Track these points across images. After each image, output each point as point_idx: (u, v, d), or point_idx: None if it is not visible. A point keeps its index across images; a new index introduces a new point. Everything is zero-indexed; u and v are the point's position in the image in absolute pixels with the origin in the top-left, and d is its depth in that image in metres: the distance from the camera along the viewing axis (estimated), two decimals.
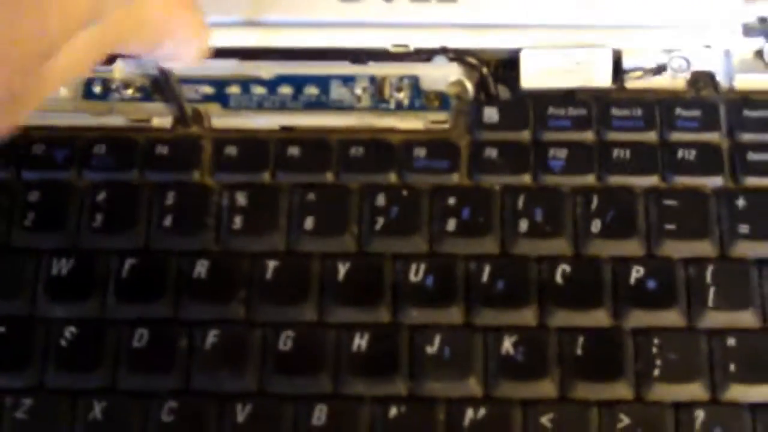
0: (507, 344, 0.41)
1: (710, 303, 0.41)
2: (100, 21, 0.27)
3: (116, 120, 0.45)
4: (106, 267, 0.42)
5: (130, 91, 0.45)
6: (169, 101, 0.44)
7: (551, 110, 0.44)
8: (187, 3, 0.32)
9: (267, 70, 0.45)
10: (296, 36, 0.45)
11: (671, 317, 0.41)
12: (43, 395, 0.41)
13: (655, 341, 0.40)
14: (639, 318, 0.41)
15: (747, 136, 0.43)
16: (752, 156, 0.43)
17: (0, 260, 0.42)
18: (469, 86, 0.45)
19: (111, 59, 0.46)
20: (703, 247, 0.42)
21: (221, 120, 0.45)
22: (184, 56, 0.33)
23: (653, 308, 0.41)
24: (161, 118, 0.45)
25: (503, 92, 0.46)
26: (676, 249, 0.42)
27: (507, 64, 0.46)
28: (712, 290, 0.41)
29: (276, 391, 0.40)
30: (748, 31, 0.45)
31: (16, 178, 0.44)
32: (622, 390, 0.40)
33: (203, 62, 0.44)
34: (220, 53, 0.45)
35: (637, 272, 0.41)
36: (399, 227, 0.42)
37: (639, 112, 0.44)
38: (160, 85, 0.45)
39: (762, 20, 0.45)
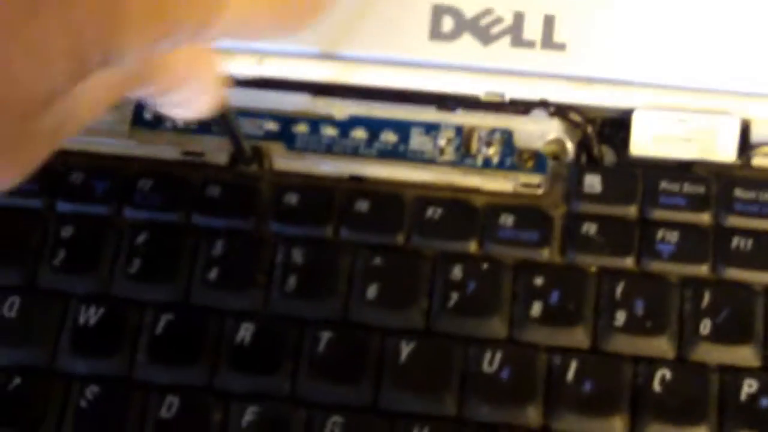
0: None
1: None
2: (120, 64, 0.23)
3: (166, 152, 0.40)
4: (139, 320, 0.37)
5: (184, 122, 0.40)
6: (227, 135, 0.39)
7: (664, 184, 0.38)
8: (210, 55, 0.29)
9: (340, 109, 0.40)
10: (377, 74, 0.40)
11: None
12: None
13: None
14: None
15: None
16: None
17: (23, 301, 0.38)
18: (570, 147, 0.39)
19: None
20: None
21: (284, 161, 0.39)
22: (193, 107, 0.30)
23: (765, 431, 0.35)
24: (217, 153, 0.40)
25: (608, 157, 0.40)
26: None
27: (615, 125, 0.40)
28: None
29: None
30: None
31: (49, 209, 0.39)
32: None
33: (267, 94, 0.40)
34: (290, 86, 0.40)
35: (749, 386, 0.35)
36: (475, 306, 0.37)
37: (767, 195, 0.38)
38: (218, 118, 0.39)
39: None
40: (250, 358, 0.36)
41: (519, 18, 0.39)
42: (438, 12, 0.40)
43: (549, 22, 0.39)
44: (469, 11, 0.39)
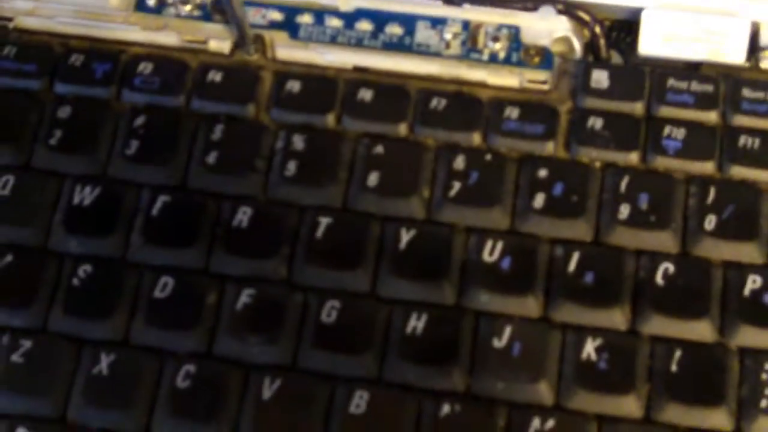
0: (589, 348, 0.34)
1: None
2: None
3: (168, 38, 0.39)
4: (135, 202, 0.37)
5: (187, 8, 0.40)
6: (230, 23, 0.38)
7: (671, 82, 0.37)
8: None
9: (346, 1, 0.39)
10: None
11: None
12: (45, 339, 0.35)
13: (767, 366, 0.34)
14: (749, 336, 0.34)
15: None
16: None
17: (17, 180, 0.37)
18: (577, 45, 0.39)
19: None
20: None
21: (287, 51, 0.39)
22: None
23: None
24: (219, 41, 0.39)
25: (615, 58, 0.39)
26: None
27: (623, 28, 0.39)
28: None
29: (311, 367, 0.35)
30: None
31: (47, 89, 0.38)
32: (719, 419, 0.33)
33: None
34: None
35: (753, 282, 0.35)
36: (477, 196, 0.36)
37: None
38: (222, 4, 0.39)
39: None
40: (247, 242, 0.36)
41: None
42: None
43: None
44: None
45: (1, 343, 0.35)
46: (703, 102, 0.37)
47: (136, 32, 0.39)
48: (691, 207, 0.36)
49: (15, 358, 0.35)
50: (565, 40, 0.39)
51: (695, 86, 0.37)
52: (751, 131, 0.37)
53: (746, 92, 0.37)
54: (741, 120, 0.37)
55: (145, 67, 0.38)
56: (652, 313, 0.35)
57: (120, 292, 0.36)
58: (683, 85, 0.37)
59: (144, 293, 0.35)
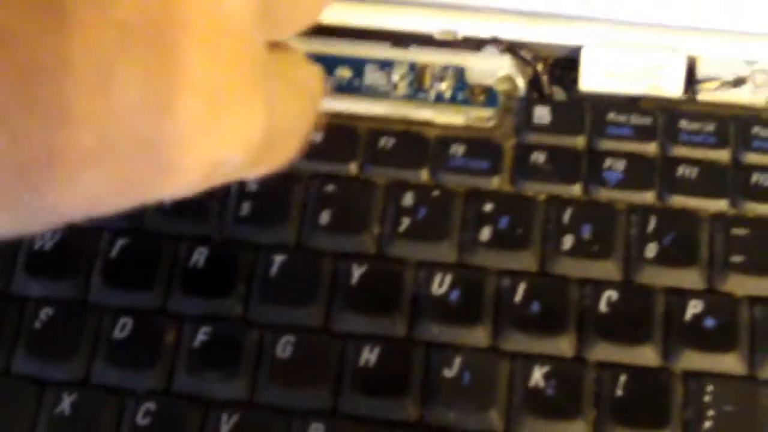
0: (537, 375, 0.35)
1: None
2: None
3: None
4: (94, 244, 0.38)
5: None
6: None
7: (611, 116, 0.39)
8: None
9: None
10: (331, 12, 0.41)
11: (729, 362, 0.35)
12: (7, 382, 0.36)
13: (709, 388, 0.35)
14: (692, 360, 0.35)
15: None
16: None
17: None
18: (521, 83, 0.40)
19: None
20: None
21: None
22: None
23: (710, 350, 0.35)
24: None
25: (558, 94, 0.40)
26: (742, 285, 0.36)
27: (565, 63, 0.40)
28: None
29: (268, 401, 0.36)
30: None
31: None
32: None
33: None
34: None
35: (694, 307, 0.36)
36: (426, 231, 0.37)
37: (711, 127, 0.38)
38: None
39: None
40: (204, 282, 0.37)
41: None
42: None
43: None
44: None
45: None
46: (642, 134, 0.38)
47: None
48: (633, 236, 0.37)
49: None
50: (509, 79, 0.40)
51: (634, 119, 0.39)
52: (689, 161, 0.38)
53: (683, 123, 0.38)
54: (679, 150, 0.38)
55: None
56: (598, 340, 0.36)
57: (80, 333, 0.36)
58: (622, 118, 0.39)
59: (104, 334, 0.36)
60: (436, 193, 0.38)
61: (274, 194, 0.38)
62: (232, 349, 0.36)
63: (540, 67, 0.40)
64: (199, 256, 0.37)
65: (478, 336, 0.36)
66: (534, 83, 0.40)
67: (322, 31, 0.41)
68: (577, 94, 0.40)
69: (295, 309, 0.36)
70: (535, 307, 0.36)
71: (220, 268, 0.37)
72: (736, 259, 0.36)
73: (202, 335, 0.36)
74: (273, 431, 0.35)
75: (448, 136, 0.39)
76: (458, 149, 0.38)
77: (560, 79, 0.40)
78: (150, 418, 0.35)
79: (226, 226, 0.38)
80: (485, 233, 0.37)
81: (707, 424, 0.34)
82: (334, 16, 0.41)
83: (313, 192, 0.38)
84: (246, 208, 0.38)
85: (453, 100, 0.40)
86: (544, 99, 0.40)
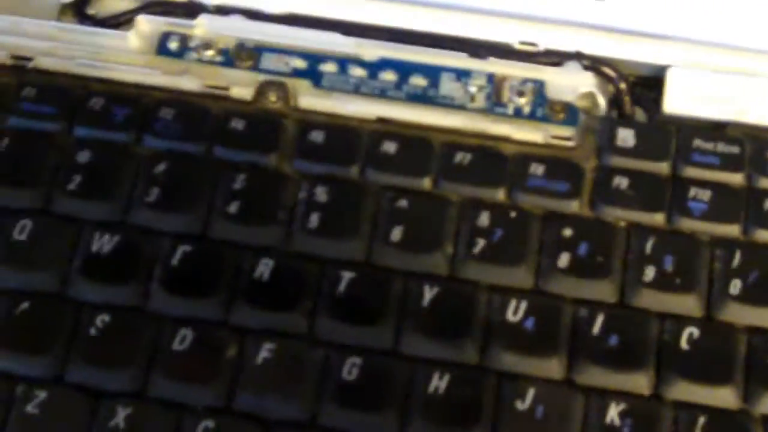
0: (612, 412, 0.34)
1: None
2: None
3: (190, 83, 0.39)
4: (155, 250, 0.36)
5: (210, 53, 0.39)
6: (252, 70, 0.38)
7: (698, 142, 0.37)
8: None
9: (370, 50, 0.39)
10: (409, 15, 0.39)
11: None
12: (60, 390, 0.35)
13: None
14: None
15: None
16: None
17: (35, 225, 0.36)
18: (602, 101, 0.38)
19: (193, 12, 0.40)
20: None
21: (310, 100, 0.38)
22: None
23: None
24: (241, 87, 0.39)
25: (639, 115, 0.39)
26: None
27: (648, 84, 0.39)
28: None
29: (331, 425, 0.34)
30: None
31: (66, 133, 0.38)
32: None
33: (296, 31, 0.39)
34: (319, 24, 0.39)
35: None
36: (501, 254, 0.36)
37: None
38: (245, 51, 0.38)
39: None
40: (268, 295, 0.35)
41: None
42: None
43: None
44: None
45: (16, 393, 0.35)
46: (729, 163, 0.37)
47: (157, 76, 0.39)
48: (716, 270, 0.36)
49: (29, 409, 0.34)
50: (590, 96, 0.39)
51: (721, 147, 0.37)
52: None
53: None
54: (766, 182, 0.37)
55: (166, 113, 0.38)
56: (677, 378, 0.34)
57: (138, 342, 0.35)
58: (709, 145, 0.37)
59: (163, 345, 0.35)
60: (512, 214, 0.36)
61: (344, 206, 0.36)
62: (295, 368, 0.35)
63: (623, 85, 0.39)
64: (264, 267, 0.36)
65: (553, 368, 0.35)
66: (615, 102, 0.39)
67: (397, 35, 0.39)
68: (661, 116, 0.38)
69: (363, 329, 0.35)
70: (613, 340, 0.35)
71: (285, 281, 0.36)
72: None
73: (264, 352, 0.35)
74: None
75: (527, 154, 0.37)
76: (537, 169, 0.37)
77: (642, 99, 0.39)
78: None
79: (293, 237, 0.36)
80: (563, 259, 0.36)
81: None
82: (411, 20, 0.39)
83: (384, 206, 0.36)
84: (315, 219, 0.36)
85: (532, 115, 0.38)
86: (628, 120, 0.38)
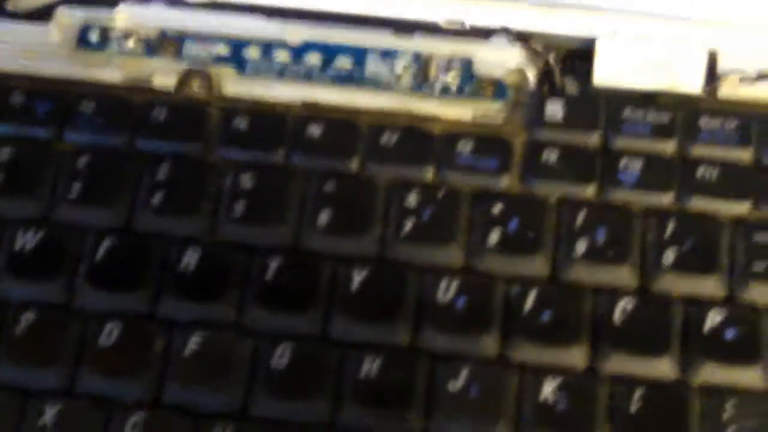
0: (547, 389, 0.33)
1: None
2: None
3: (111, 75, 0.38)
4: (79, 246, 0.35)
5: (131, 43, 0.39)
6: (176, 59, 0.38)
7: (627, 112, 0.37)
8: None
9: (294, 34, 0.38)
10: None
11: (750, 376, 0.33)
12: None
13: (729, 403, 0.33)
14: (711, 373, 0.34)
15: None
16: None
17: None
18: (531, 76, 0.38)
19: (113, 2, 0.39)
20: None
21: (234, 86, 0.38)
22: None
23: (730, 363, 0.34)
24: (164, 77, 0.38)
25: (570, 88, 0.38)
26: (765, 294, 0.34)
27: (578, 56, 0.38)
28: None
29: (263, 414, 0.33)
30: None
31: None
32: None
33: (218, 17, 0.38)
34: (241, 8, 0.39)
35: (713, 318, 0.34)
36: (431, 234, 0.35)
37: (733, 125, 0.36)
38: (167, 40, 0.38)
39: None
40: (195, 286, 0.35)
41: None
42: None
43: None
44: None
45: None
46: (660, 132, 0.36)
47: (78, 69, 0.38)
48: (650, 241, 0.35)
49: None
50: (519, 72, 0.38)
51: (651, 116, 0.37)
52: (710, 161, 0.36)
53: (703, 121, 0.36)
54: (699, 150, 0.36)
55: (88, 106, 0.37)
56: (612, 352, 0.34)
57: (64, 339, 0.34)
58: (639, 115, 0.37)
59: (90, 340, 0.34)
60: (441, 192, 0.36)
61: (270, 193, 0.36)
62: (225, 358, 0.34)
63: (552, 58, 0.38)
64: (191, 258, 0.35)
65: (486, 346, 0.34)
66: (545, 76, 0.38)
67: (321, 17, 0.38)
68: (591, 88, 0.38)
69: (292, 316, 0.34)
70: (546, 315, 0.34)
71: (212, 271, 0.35)
72: (759, 266, 0.34)
73: (193, 344, 0.34)
74: None
75: (455, 132, 0.37)
76: (465, 146, 0.36)
77: (573, 72, 0.38)
78: (138, 431, 0.33)
79: (219, 226, 0.36)
80: (494, 237, 0.35)
81: None
82: (333, 2, 0.38)
83: (311, 191, 0.36)
84: (240, 207, 0.36)
85: (460, 92, 0.38)
86: (557, 93, 0.38)
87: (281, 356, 0.34)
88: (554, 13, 0.38)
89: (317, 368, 0.34)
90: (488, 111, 0.37)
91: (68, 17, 0.39)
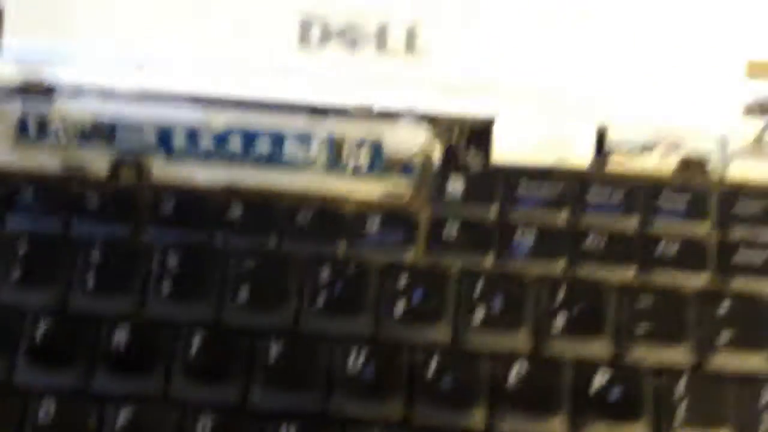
0: None
1: (680, 419, 0.36)
2: None
3: (49, 163, 0.41)
4: (19, 327, 0.38)
5: (66, 133, 0.42)
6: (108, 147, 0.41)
7: (522, 187, 0.40)
8: None
9: (217, 119, 0.41)
10: (254, 85, 0.41)
11: None
12: None
13: None
14: (599, 431, 0.36)
15: (738, 232, 0.39)
16: (742, 254, 0.38)
17: None
18: (436, 154, 0.41)
19: (50, 94, 0.42)
20: (678, 355, 0.37)
21: (163, 171, 0.41)
22: None
23: (616, 420, 0.37)
24: (97, 164, 0.41)
25: (474, 164, 0.41)
26: (647, 355, 0.37)
27: (480, 133, 0.41)
28: (683, 405, 0.36)
29: None
30: (749, 112, 0.41)
31: None
32: None
33: (147, 106, 0.41)
34: (168, 98, 0.42)
35: (601, 378, 0.37)
36: (342, 306, 0.38)
37: (619, 195, 0.39)
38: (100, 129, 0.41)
39: (764, 103, 0.41)
40: (125, 361, 0.38)
41: (384, 26, 0.41)
42: (306, 22, 0.41)
43: (412, 31, 0.41)
44: (336, 20, 0.41)
45: None
46: (552, 205, 0.39)
47: (17, 159, 0.41)
48: (542, 307, 0.38)
49: None
50: (425, 150, 0.41)
51: (544, 190, 0.40)
52: (598, 230, 0.39)
53: (592, 193, 0.39)
54: (588, 220, 0.39)
55: (26, 194, 0.40)
56: (507, 413, 0.37)
57: (4, 416, 0.37)
58: (533, 189, 0.40)
59: (28, 417, 0.37)
60: (352, 267, 0.39)
61: (194, 271, 0.39)
62: (153, 430, 0.37)
63: (455, 138, 0.41)
64: (121, 336, 0.38)
65: (393, 411, 0.37)
66: (450, 154, 0.41)
67: (242, 104, 0.41)
68: (490, 165, 0.41)
69: (215, 387, 0.37)
70: (448, 381, 0.37)
71: (141, 347, 0.38)
72: (642, 329, 0.37)
73: (122, 419, 0.37)
74: None
75: (365, 210, 0.40)
76: (374, 223, 0.39)
77: (476, 149, 0.41)
78: None
79: (148, 304, 0.39)
80: (399, 307, 0.38)
81: None
82: (254, 89, 0.41)
83: (232, 268, 0.39)
84: (167, 285, 0.39)
85: (370, 171, 0.41)
86: (458, 170, 0.40)
87: (204, 427, 0.37)
88: (455, 95, 0.41)
89: None
90: (396, 188, 0.40)
91: (7, 109, 0.42)
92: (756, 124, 0.40)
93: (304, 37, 0.41)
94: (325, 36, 0.41)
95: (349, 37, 0.41)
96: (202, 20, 0.41)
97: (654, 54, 0.40)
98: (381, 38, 0.41)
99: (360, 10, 0.41)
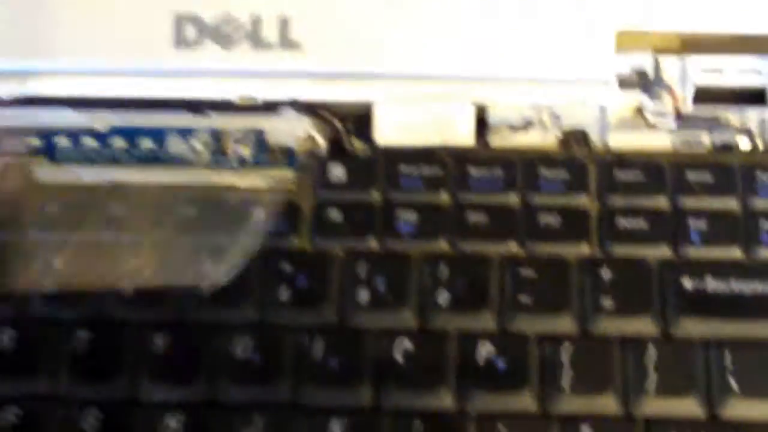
0: (335, 429, 0.36)
1: (566, 386, 0.36)
2: None
3: None
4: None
5: None
6: None
7: (403, 168, 0.40)
8: None
9: (100, 121, 0.42)
10: (130, 85, 0.42)
11: (522, 401, 0.36)
12: None
13: (502, 428, 0.36)
14: (485, 401, 0.37)
15: (618, 201, 0.39)
16: (622, 222, 0.39)
17: None
18: (322, 142, 0.41)
19: None
20: (561, 323, 0.37)
21: (48, 174, 0.41)
22: None
23: (502, 391, 0.37)
24: None
25: (359, 150, 0.42)
26: (531, 324, 0.37)
27: (362, 119, 0.42)
28: (568, 372, 0.37)
29: None
30: (624, 84, 0.41)
31: None
32: None
33: (30, 112, 0.41)
34: (50, 102, 0.42)
35: (485, 350, 0.37)
36: (227, 295, 0.38)
37: (499, 172, 0.40)
38: None
39: (640, 74, 0.41)
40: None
41: (256, 21, 0.41)
42: (180, 20, 0.42)
43: (284, 23, 0.41)
44: (209, 18, 0.42)
45: None
46: (433, 184, 0.40)
47: None
48: (426, 284, 0.38)
49: None
50: (310, 139, 0.41)
51: (425, 170, 0.40)
52: (479, 207, 0.39)
53: (472, 171, 0.40)
54: (469, 197, 0.39)
55: None
56: (394, 389, 0.37)
57: None
58: (414, 170, 0.40)
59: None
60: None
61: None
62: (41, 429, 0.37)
63: (338, 125, 0.41)
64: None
65: (279, 393, 0.37)
66: (335, 141, 0.41)
67: (124, 104, 0.42)
68: (371, 149, 0.41)
69: (100, 384, 0.37)
70: (334, 361, 0.37)
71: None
72: (526, 299, 0.38)
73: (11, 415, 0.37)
74: None
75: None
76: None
77: (358, 136, 0.42)
78: None
79: (30, 303, 0.39)
80: (284, 293, 0.38)
81: None
82: (132, 89, 0.42)
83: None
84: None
85: (255, 163, 0.41)
86: (339, 156, 0.41)
87: (93, 422, 0.37)
88: (334, 83, 0.41)
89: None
90: (281, 179, 0.40)
91: None
92: (632, 94, 0.41)
93: (179, 36, 0.42)
94: (200, 34, 0.41)
95: (224, 34, 0.41)
96: (81, 25, 0.42)
97: (526, 30, 0.41)
98: (255, 33, 0.41)
99: (232, 6, 0.41)
